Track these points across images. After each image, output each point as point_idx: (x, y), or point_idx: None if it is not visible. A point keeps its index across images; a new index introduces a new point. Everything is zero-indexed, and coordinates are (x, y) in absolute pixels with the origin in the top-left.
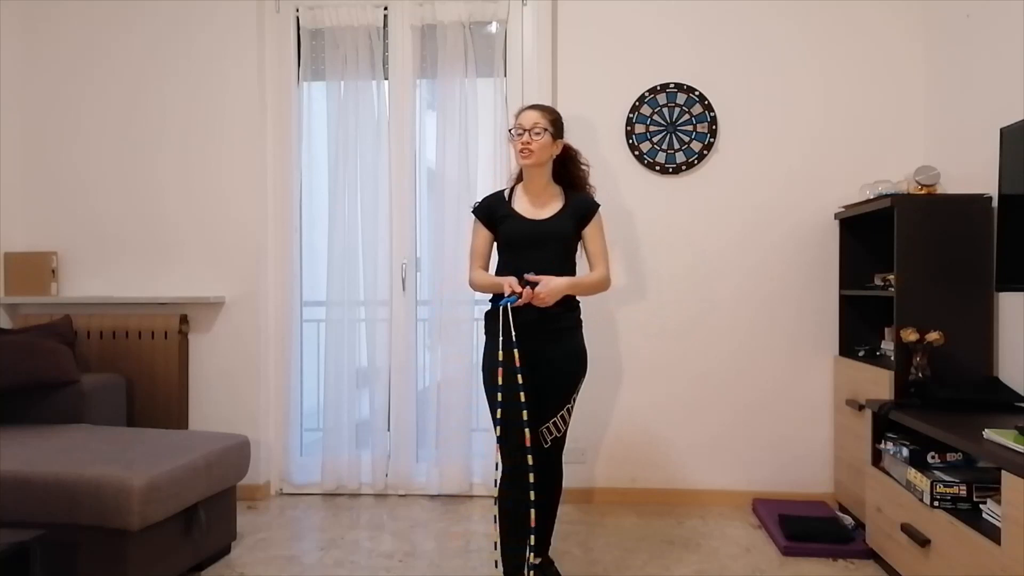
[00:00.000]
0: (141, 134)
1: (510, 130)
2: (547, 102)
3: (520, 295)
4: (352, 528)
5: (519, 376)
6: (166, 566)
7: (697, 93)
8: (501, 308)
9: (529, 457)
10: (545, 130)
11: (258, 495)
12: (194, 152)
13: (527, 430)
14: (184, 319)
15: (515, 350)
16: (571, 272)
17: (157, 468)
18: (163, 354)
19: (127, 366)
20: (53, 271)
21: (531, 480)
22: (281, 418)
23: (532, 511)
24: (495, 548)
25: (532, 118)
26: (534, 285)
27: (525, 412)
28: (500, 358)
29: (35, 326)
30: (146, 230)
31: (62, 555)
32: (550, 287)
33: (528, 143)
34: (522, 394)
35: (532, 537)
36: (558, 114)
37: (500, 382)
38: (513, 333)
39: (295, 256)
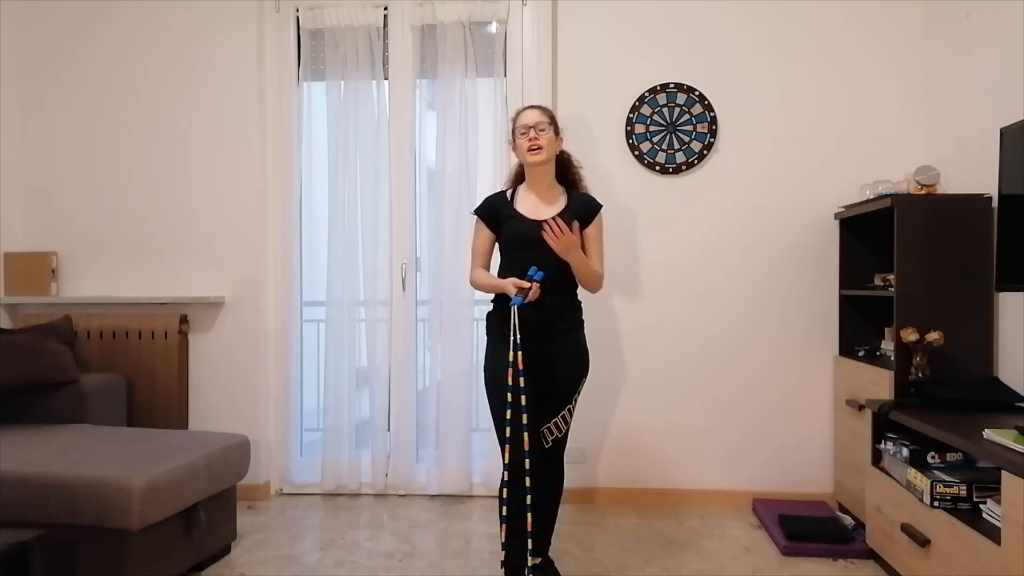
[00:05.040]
0: (141, 134)
1: (513, 131)
2: (547, 102)
3: (526, 294)
4: (352, 528)
5: (522, 378)
6: (166, 566)
7: (697, 93)
8: (511, 309)
9: (527, 461)
10: (550, 125)
11: (258, 495)
12: (194, 152)
13: (529, 432)
14: (184, 319)
15: (520, 352)
16: (572, 273)
17: (157, 468)
18: (163, 354)
19: (127, 366)
20: (53, 271)
21: (528, 484)
22: (281, 418)
23: (529, 515)
24: (501, 548)
25: (535, 116)
26: (540, 281)
27: (527, 414)
28: (509, 358)
29: (35, 326)
30: (146, 230)
31: (62, 555)
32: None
33: (536, 139)
34: (525, 396)
35: (529, 540)
36: (553, 113)
37: (509, 382)
38: (519, 335)
39: (295, 256)
